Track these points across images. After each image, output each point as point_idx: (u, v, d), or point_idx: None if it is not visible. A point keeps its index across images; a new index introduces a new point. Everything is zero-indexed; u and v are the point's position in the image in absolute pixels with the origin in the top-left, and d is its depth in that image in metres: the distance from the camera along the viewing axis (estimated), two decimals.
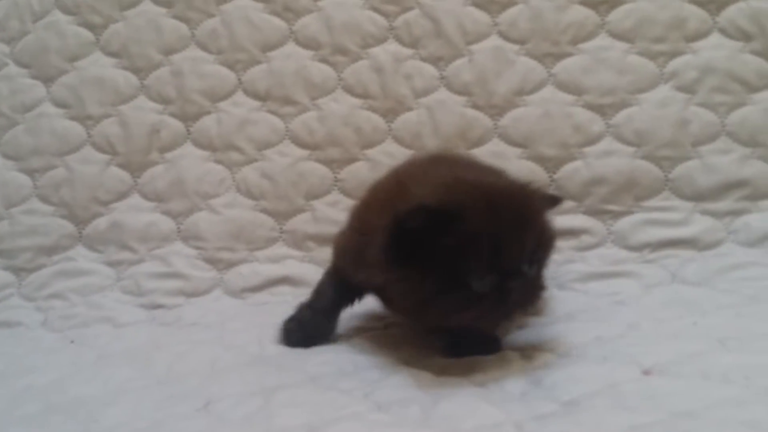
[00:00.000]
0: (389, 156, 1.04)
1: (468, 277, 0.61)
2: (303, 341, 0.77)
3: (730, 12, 1.01)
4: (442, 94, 1.05)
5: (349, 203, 1.01)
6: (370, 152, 1.05)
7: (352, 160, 1.05)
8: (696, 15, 1.02)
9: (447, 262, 0.61)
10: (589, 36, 1.03)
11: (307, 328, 0.77)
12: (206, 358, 0.74)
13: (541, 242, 0.66)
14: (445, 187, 0.64)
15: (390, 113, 1.06)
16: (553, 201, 0.72)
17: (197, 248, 1.04)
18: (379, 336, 0.81)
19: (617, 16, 1.03)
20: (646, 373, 0.62)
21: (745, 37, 1.01)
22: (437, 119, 1.04)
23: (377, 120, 1.06)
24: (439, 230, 0.60)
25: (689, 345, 0.68)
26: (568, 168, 1.00)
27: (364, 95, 1.07)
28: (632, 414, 0.54)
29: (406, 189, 0.66)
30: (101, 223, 1.07)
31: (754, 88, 1.00)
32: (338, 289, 0.78)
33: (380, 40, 1.07)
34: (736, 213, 0.97)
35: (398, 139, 1.05)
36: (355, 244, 0.70)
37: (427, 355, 0.72)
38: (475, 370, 0.66)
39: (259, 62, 1.09)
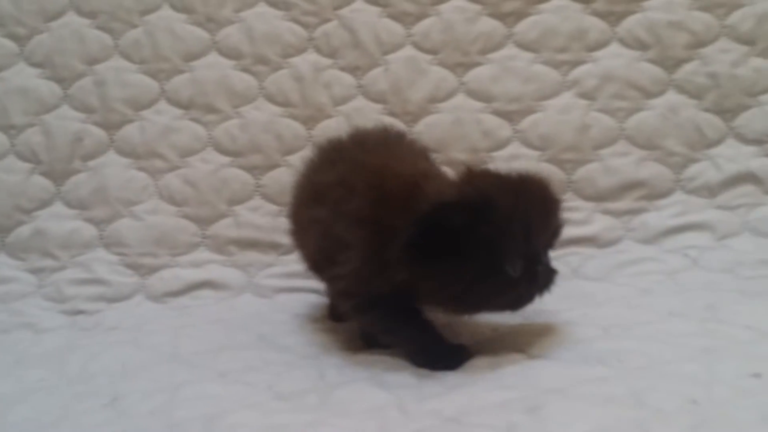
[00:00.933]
0: None
1: (504, 264, 0.65)
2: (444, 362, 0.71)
3: (629, 23, 1.09)
4: (360, 102, 1.11)
5: (271, 208, 1.07)
6: (290, 158, 1.10)
7: (274, 166, 1.10)
8: (596, 26, 1.10)
9: (482, 251, 0.64)
10: (497, 46, 1.10)
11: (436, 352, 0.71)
12: (118, 358, 0.77)
13: (557, 230, 0.72)
14: (468, 181, 0.68)
15: (310, 121, 1.11)
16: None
17: (119, 254, 1.08)
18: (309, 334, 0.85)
19: (523, 27, 1.10)
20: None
21: (642, 46, 1.09)
22: (355, 126, 1.08)
23: (297, 127, 1.11)
24: (474, 221, 0.63)
25: (575, 333, 0.74)
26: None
27: (284, 103, 1.12)
28: (507, 391, 0.59)
29: (418, 186, 0.68)
30: (24, 231, 1.10)
31: (650, 94, 1.08)
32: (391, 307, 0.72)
33: (300, 50, 1.12)
34: (633, 212, 1.05)
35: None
36: (368, 252, 0.68)
37: (343, 349, 0.76)
38: (377, 365, 0.71)
39: (182, 71, 1.14)
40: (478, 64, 1.11)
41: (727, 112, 1.07)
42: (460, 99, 1.10)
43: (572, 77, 1.09)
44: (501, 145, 1.08)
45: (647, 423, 0.51)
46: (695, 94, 1.08)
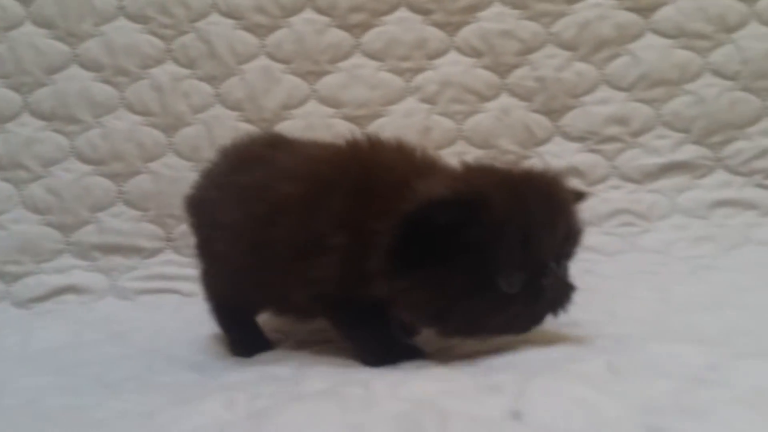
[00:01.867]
0: (170, 168, 1.17)
1: (496, 276, 0.55)
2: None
3: (465, 32, 1.21)
4: (218, 110, 1.19)
5: (134, 214, 1.13)
6: (152, 165, 1.17)
7: (135, 173, 1.17)
8: (435, 36, 1.22)
9: (471, 260, 0.55)
10: (346, 56, 1.21)
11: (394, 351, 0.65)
12: None
13: (570, 235, 0.60)
14: (462, 177, 0.60)
15: (170, 128, 1.18)
16: (578, 195, 0.65)
17: None
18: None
19: (369, 37, 1.21)
20: None
21: (477, 54, 1.21)
22: (214, 133, 1.17)
23: (158, 135, 1.18)
24: (460, 224, 0.54)
25: None
26: None
27: (145, 112, 1.18)
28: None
29: (405, 186, 0.59)
30: None
31: (485, 98, 1.20)
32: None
33: (159, 61, 1.20)
34: None
35: (178, 152, 1.18)
36: (344, 261, 0.61)
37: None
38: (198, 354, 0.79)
39: (44, 84, 1.19)
40: (328, 72, 1.21)
41: (553, 113, 1.20)
42: (312, 105, 1.20)
43: (415, 84, 1.21)
44: None
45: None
46: (525, 96, 1.21)
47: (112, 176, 1.18)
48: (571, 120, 1.21)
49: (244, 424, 0.49)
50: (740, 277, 0.89)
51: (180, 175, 1.17)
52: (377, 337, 0.64)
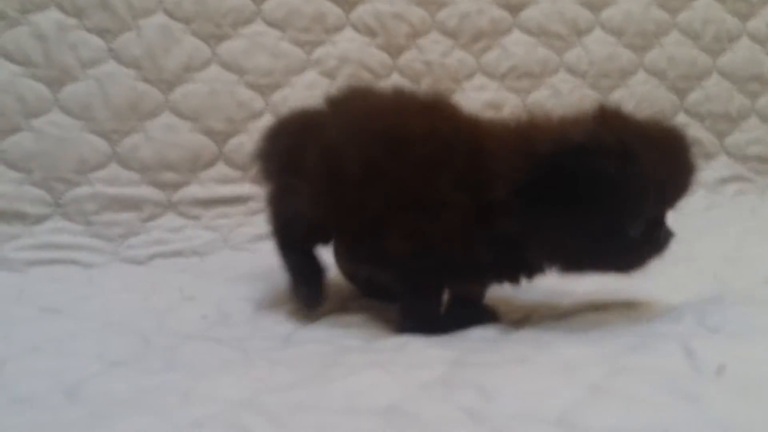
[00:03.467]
0: (57, 126, 1.12)
1: (625, 221, 0.61)
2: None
3: (360, 11, 1.32)
4: (112, 66, 1.15)
5: (13, 175, 1.07)
6: (35, 122, 1.10)
7: (15, 130, 1.10)
8: (333, 11, 1.32)
9: (607, 204, 0.60)
10: (247, 21, 1.25)
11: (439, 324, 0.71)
12: None
13: (687, 193, 0.66)
14: (601, 122, 0.61)
15: (55, 83, 1.12)
16: None
17: None
18: None
19: (271, 5, 1.27)
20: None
21: (372, 33, 1.31)
22: (107, 91, 1.14)
23: (41, 89, 1.12)
24: (606, 169, 0.58)
25: None
26: (235, 141, 1.20)
27: (25, 62, 1.11)
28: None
29: (535, 127, 0.64)
30: None
31: (379, 76, 1.31)
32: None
33: (40, 7, 1.13)
34: None
35: (66, 109, 1.13)
36: (462, 220, 0.65)
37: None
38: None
39: None
40: (229, 36, 1.24)
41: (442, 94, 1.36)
42: (214, 70, 1.22)
43: (315, 56, 1.29)
44: (255, 116, 1.22)
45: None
46: (414, 78, 1.36)
47: None
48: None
49: None
50: None
51: (68, 135, 1.13)
52: (429, 307, 0.71)
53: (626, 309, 0.72)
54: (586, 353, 0.55)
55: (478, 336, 0.67)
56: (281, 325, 0.79)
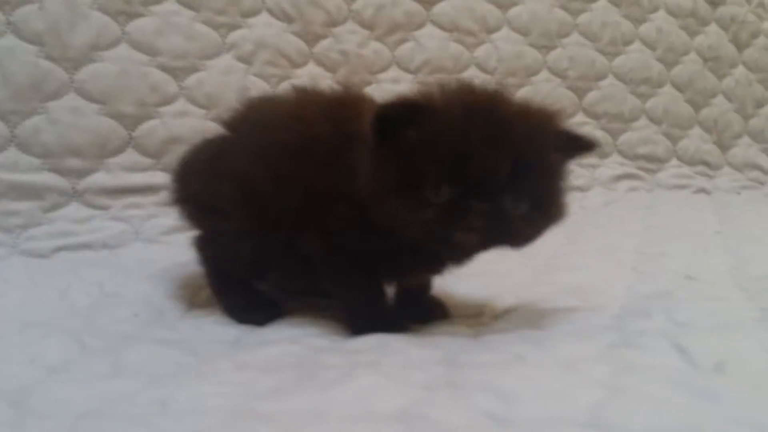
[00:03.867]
0: None
1: (423, 181, 0.61)
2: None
3: None
4: (10, 40, 1.07)
5: None
6: None
7: None
8: None
9: (408, 159, 0.61)
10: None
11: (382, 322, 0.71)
12: None
13: (537, 176, 0.62)
14: (438, 86, 0.63)
15: None
16: (581, 144, 0.66)
17: None
18: None
19: None
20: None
21: (288, 19, 1.30)
22: (6, 68, 1.06)
23: None
24: (404, 125, 0.61)
25: None
26: (146, 126, 1.15)
27: None
28: None
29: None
30: None
31: (296, 65, 1.31)
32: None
33: None
34: None
35: None
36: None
37: None
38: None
39: None
40: (140, 14, 1.18)
41: (354, 87, 1.36)
42: (124, 49, 1.16)
43: (230, 40, 1.25)
44: (168, 100, 1.18)
45: None
46: (330, 68, 1.36)
47: None
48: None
49: None
50: None
51: None
52: (372, 304, 0.72)
53: (568, 301, 0.78)
54: (579, 350, 0.58)
55: (449, 333, 0.69)
56: (224, 327, 0.77)
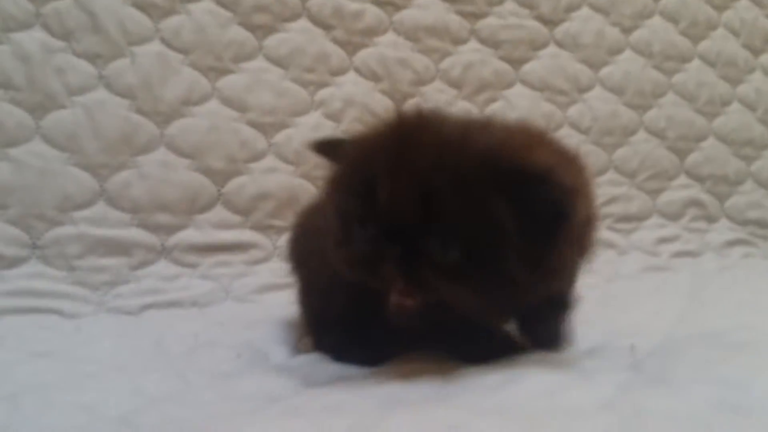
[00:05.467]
0: (38, 157, 1.04)
1: (347, 216, 0.59)
2: None
3: (363, 55, 1.32)
4: (101, 94, 1.09)
5: None
6: (13, 152, 1.03)
7: None
8: (337, 53, 1.31)
9: (337, 195, 0.61)
10: (249, 57, 1.23)
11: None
12: None
13: (432, 199, 0.55)
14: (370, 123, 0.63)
15: (38, 109, 1.06)
16: (531, 178, 0.56)
17: None
18: None
19: (273, 42, 1.25)
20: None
21: (375, 77, 1.31)
22: (97, 121, 1.08)
23: (22, 115, 1.05)
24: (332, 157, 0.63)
25: None
26: (235, 182, 1.14)
27: (4, 85, 1.04)
28: None
29: None
30: None
31: None
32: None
33: (25, 25, 1.06)
34: None
35: (48, 138, 1.06)
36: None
37: None
38: None
39: None
40: (230, 71, 1.20)
41: None
42: (214, 105, 1.17)
43: (319, 98, 1.26)
44: (258, 156, 1.18)
45: None
46: None
47: None
48: None
49: None
50: None
51: (50, 167, 1.06)
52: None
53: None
54: (584, 398, 0.53)
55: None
56: (333, 366, 0.72)
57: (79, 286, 1.03)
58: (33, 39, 1.08)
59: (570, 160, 0.64)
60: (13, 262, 1.01)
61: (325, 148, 0.65)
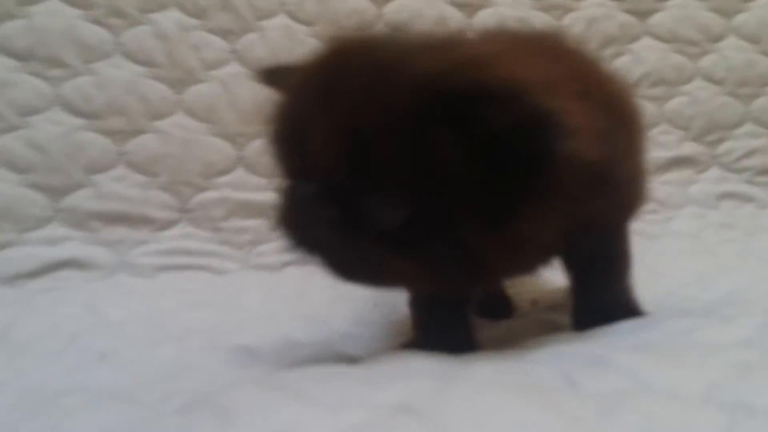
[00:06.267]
0: (182, 128, 1.13)
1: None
2: None
3: (482, 15, 1.32)
4: (235, 67, 1.16)
5: (139, 179, 1.08)
6: (159, 124, 1.12)
7: (139, 131, 1.11)
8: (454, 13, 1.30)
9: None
10: (372, 26, 1.25)
11: None
12: None
13: (359, 146, 0.45)
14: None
15: (178, 84, 1.13)
16: (487, 98, 0.43)
17: None
18: None
19: (392, 7, 1.26)
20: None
21: None
22: (233, 93, 1.15)
23: (164, 90, 1.13)
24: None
25: None
26: None
27: (148, 63, 1.13)
28: None
29: None
30: None
31: None
32: None
33: (162, 6, 1.15)
34: None
35: (190, 111, 1.14)
36: None
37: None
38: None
39: (14, 16, 1.08)
40: None
41: None
42: None
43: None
44: None
45: None
46: None
47: (111, 133, 1.11)
48: None
49: None
50: None
51: (193, 137, 1.14)
52: None
53: None
54: (723, 336, 0.52)
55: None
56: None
57: (225, 245, 1.12)
58: (169, 18, 1.17)
59: (595, 86, 0.51)
60: (166, 225, 1.11)
61: (274, 77, 0.56)
